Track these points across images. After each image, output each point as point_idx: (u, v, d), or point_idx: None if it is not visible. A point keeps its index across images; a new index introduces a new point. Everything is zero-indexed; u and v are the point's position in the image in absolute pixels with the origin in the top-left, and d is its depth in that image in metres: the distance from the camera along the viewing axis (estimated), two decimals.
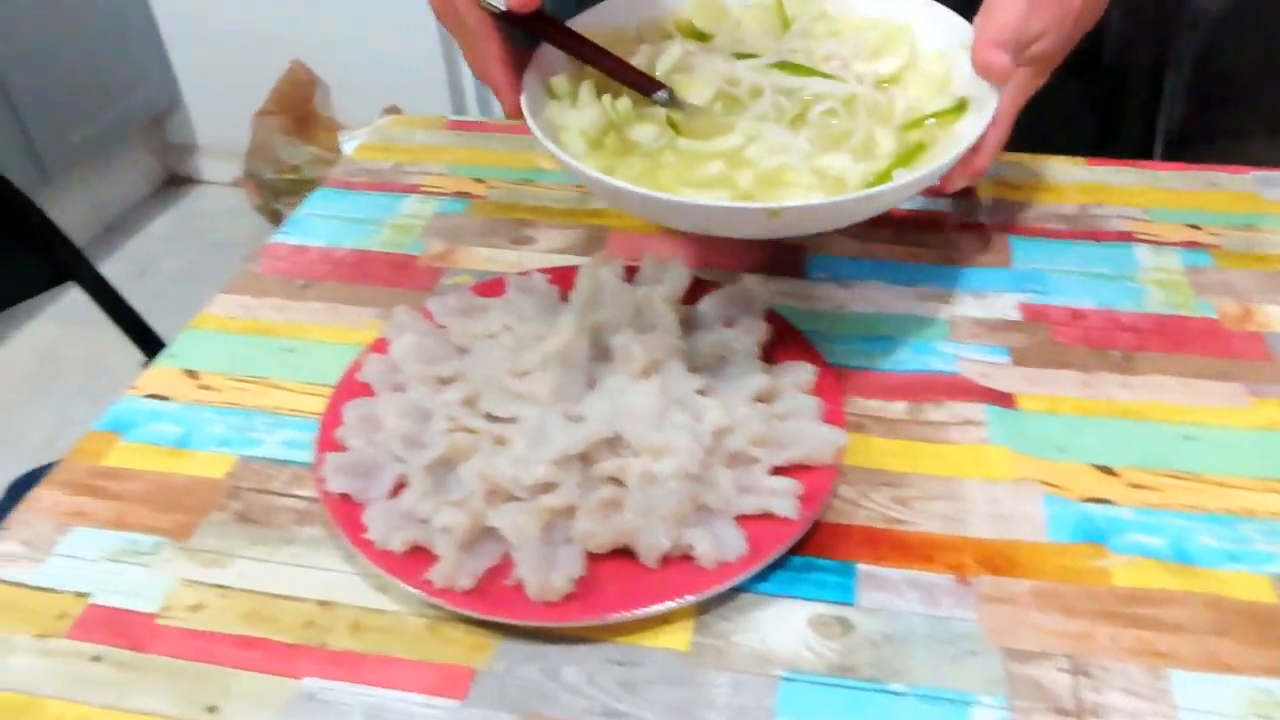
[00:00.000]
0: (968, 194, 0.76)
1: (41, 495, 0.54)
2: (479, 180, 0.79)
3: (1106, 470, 0.53)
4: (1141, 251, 0.69)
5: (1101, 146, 0.83)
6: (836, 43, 0.66)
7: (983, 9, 0.59)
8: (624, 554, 0.49)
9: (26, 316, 2.01)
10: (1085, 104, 0.87)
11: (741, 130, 0.61)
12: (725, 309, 0.63)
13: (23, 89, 1.91)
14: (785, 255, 0.70)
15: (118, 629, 0.47)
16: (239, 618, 0.47)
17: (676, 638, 0.46)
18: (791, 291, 0.67)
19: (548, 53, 0.62)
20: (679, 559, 0.48)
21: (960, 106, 0.60)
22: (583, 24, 0.64)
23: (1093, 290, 0.66)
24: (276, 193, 2.24)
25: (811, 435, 0.52)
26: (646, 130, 0.61)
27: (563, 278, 0.64)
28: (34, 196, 0.95)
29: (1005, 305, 0.65)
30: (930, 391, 0.59)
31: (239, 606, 0.48)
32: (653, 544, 0.48)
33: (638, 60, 0.64)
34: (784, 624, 0.47)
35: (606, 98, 0.62)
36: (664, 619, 0.47)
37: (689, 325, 0.61)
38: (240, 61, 2.19)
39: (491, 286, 0.65)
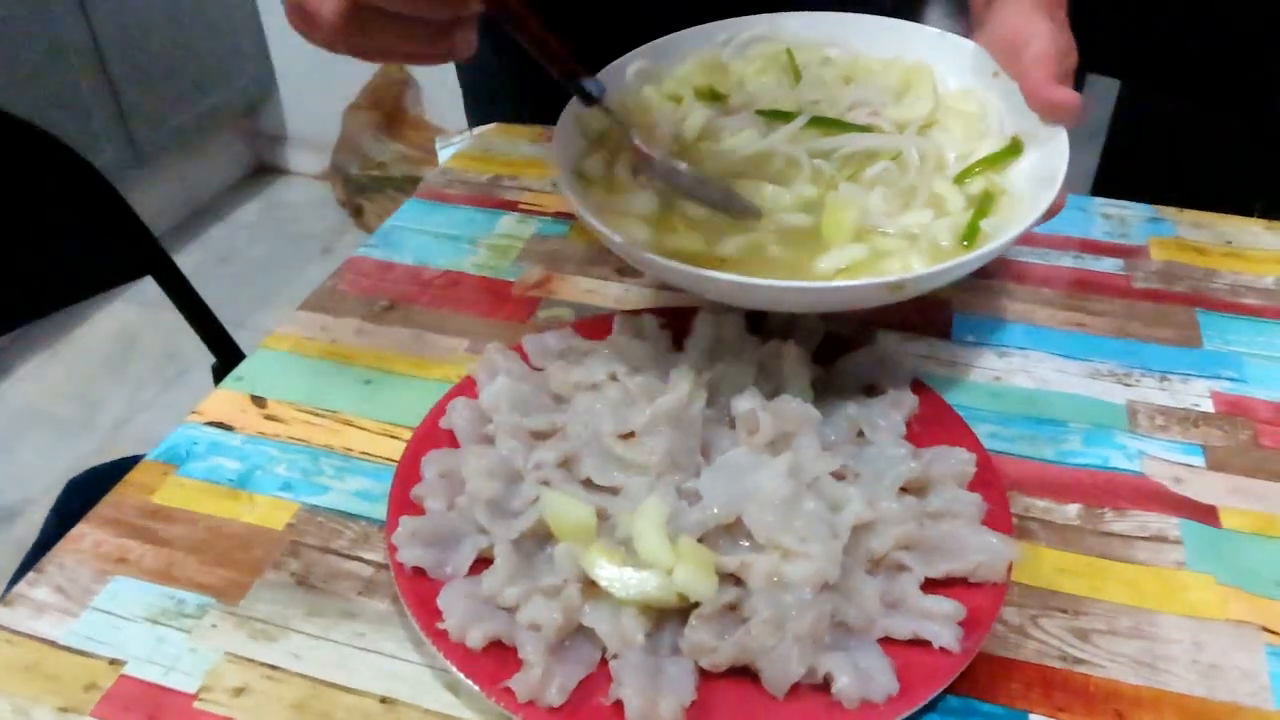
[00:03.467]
0: (1139, 254, 0.66)
1: (84, 534, 0.48)
2: None
3: None
4: None
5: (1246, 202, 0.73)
6: (857, 89, 0.62)
7: (1005, 43, 0.57)
8: (741, 673, 0.41)
9: (109, 297, 2.01)
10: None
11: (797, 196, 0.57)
12: (865, 373, 0.54)
13: (123, 74, 1.91)
14: (928, 311, 0.61)
15: (150, 709, 0.40)
16: (287, 708, 0.40)
17: None
18: (936, 355, 0.58)
19: (560, 144, 0.56)
20: (810, 689, 0.40)
21: (1015, 147, 0.57)
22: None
23: None
24: (360, 188, 2.21)
25: (976, 544, 0.43)
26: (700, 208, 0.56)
27: (677, 321, 0.56)
28: (127, 180, 0.92)
29: (1195, 393, 0.55)
30: (1110, 495, 0.49)
31: (288, 694, 0.41)
32: (783, 671, 0.39)
33: (661, 126, 0.59)
34: None
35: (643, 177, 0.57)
36: None
37: (821, 390, 0.53)
38: (337, 55, 2.16)
39: (595, 325, 0.57)
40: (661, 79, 0.64)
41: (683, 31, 0.65)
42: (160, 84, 1.99)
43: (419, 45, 0.47)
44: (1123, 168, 1.44)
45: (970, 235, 0.52)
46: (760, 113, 0.60)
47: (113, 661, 0.42)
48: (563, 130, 0.57)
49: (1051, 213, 0.51)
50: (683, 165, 0.54)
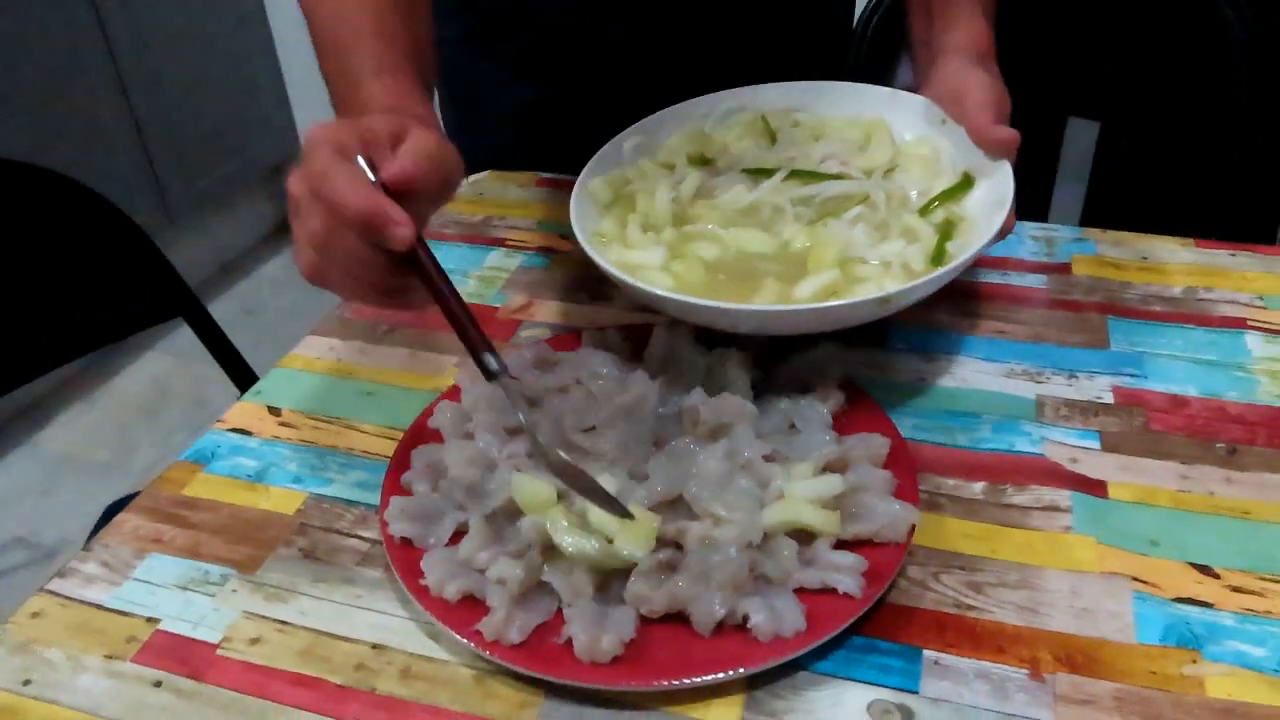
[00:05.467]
0: (1063, 270, 0.74)
1: (125, 520, 0.56)
2: (564, 237, 0.80)
3: (1205, 570, 0.50)
4: (1254, 340, 0.65)
5: (1212, 228, 0.80)
6: (825, 144, 0.71)
7: (949, 94, 0.66)
8: (679, 620, 0.48)
9: (143, 348, 2.12)
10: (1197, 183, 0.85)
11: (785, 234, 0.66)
12: (801, 375, 0.61)
13: (157, 140, 2.04)
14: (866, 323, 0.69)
15: (180, 656, 0.48)
16: (295, 654, 0.48)
17: (726, 712, 0.44)
18: (870, 361, 0.66)
19: (577, 215, 0.64)
20: (734, 630, 0.47)
21: (967, 181, 0.66)
22: (592, 169, 0.69)
23: (1197, 377, 0.62)
24: None
25: (881, 510, 0.50)
26: (708, 249, 0.66)
27: (639, 335, 0.64)
28: (160, 238, 1.01)
29: (1098, 388, 0.62)
30: (1013, 473, 0.56)
31: (296, 643, 0.48)
32: (707, 612, 0.46)
33: (661, 191, 0.68)
34: (840, 707, 0.44)
35: (653, 233, 0.67)
36: (714, 691, 0.45)
37: (761, 390, 0.60)
38: None
39: (568, 340, 0.65)
40: (655, 151, 0.74)
41: (668, 109, 0.75)
42: (191, 148, 2.13)
43: (376, 301, 0.51)
44: (1107, 202, 1.52)
45: (938, 256, 0.61)
46: (745, 171, 0.70)
47: (149, 619, 0.50)
48: (577, 203, 0.66)
49: (1004, 232, 0.60)
50: (562, 455, 0.51)
